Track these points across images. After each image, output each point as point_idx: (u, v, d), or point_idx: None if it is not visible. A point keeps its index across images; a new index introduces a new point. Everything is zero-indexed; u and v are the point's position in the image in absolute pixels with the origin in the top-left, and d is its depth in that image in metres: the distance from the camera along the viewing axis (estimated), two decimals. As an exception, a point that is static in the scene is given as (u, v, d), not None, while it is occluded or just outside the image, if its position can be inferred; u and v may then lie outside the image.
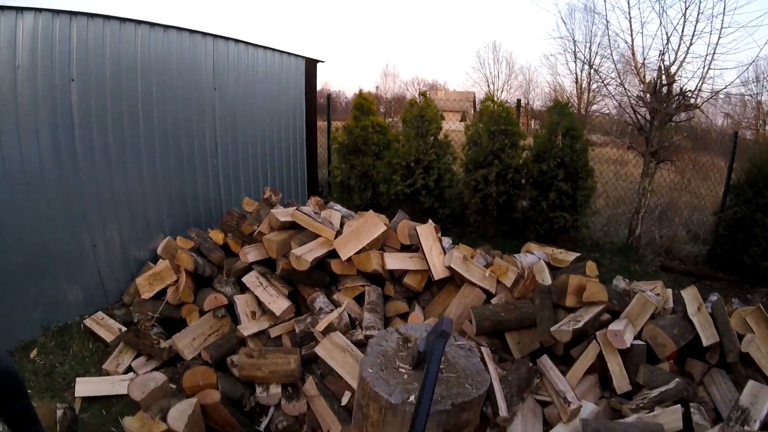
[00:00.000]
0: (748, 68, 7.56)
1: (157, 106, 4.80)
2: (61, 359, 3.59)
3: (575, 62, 29.97)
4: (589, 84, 31.75)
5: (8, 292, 3.60)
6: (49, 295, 3.89)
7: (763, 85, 25.54)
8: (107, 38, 4.28)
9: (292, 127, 6.95)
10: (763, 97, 25.80)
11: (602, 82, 7.69)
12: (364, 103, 6.99)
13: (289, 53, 6.77)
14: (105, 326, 3.86)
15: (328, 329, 3.26)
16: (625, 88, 6.93)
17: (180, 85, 5.07)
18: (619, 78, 7.17)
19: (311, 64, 7.19)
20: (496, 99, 6.67)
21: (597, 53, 6.92)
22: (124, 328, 3.83)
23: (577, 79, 34.54)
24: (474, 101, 61.27)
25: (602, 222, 8.00)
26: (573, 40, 8.88)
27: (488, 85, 54.72)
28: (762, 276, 5.76)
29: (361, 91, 7.38)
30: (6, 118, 3.55)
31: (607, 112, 7.25)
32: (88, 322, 3.92)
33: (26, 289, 3.74)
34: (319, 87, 7.54)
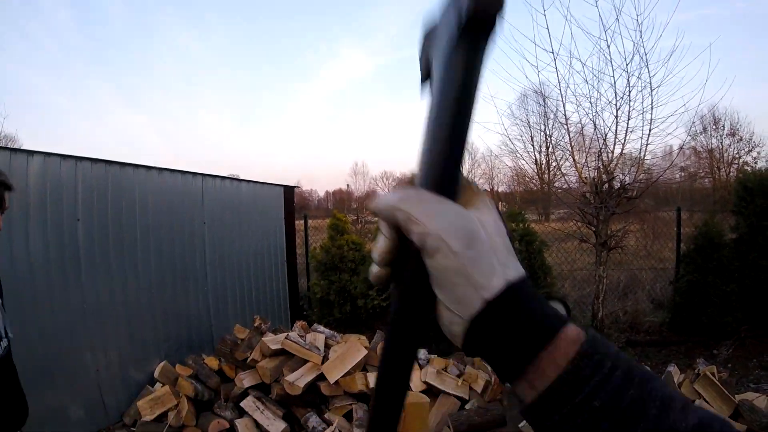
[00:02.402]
0: (693, 124, 8.25)
1: (154, 239, 5.30)
2: None
3: (532, 145, 31.46)
4: (548, 162, 33.25)
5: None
6: (55, 414, 4.12)
7: (710, 134, 27.19)
8: (109, 180, 4.82)
9: (274, 248, 7.50)
10: (713, 144, 27.36)
11: (558, 163, 8.43)
12: (338, 224, 7.63)
13: (269, 184, 7.48)
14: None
15: (323, 448, 3.67)
16: (570, 192, 7.72)
17: (174, 220, 5.61)
18: (566, 182, 7.99)
19: (289, 191, 7.90)
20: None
21: (550, 137, 7.68)
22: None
23: (536, 160, 36.16)
24: (443, 193, 62.83)
25: (570, 305, 8.50)
26: (528, 124, 9.68)
27: (454, 177, 56.51)
28: (723, 330, 6.21)
29: (335, 212, 8.06)
30: (19, 251, 3.94)
31: (568, 187, 7.91)
32: None
33: (33, 406, 3.96)
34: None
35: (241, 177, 6.96)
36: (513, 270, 0.41)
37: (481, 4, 0.40)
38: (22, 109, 57.69)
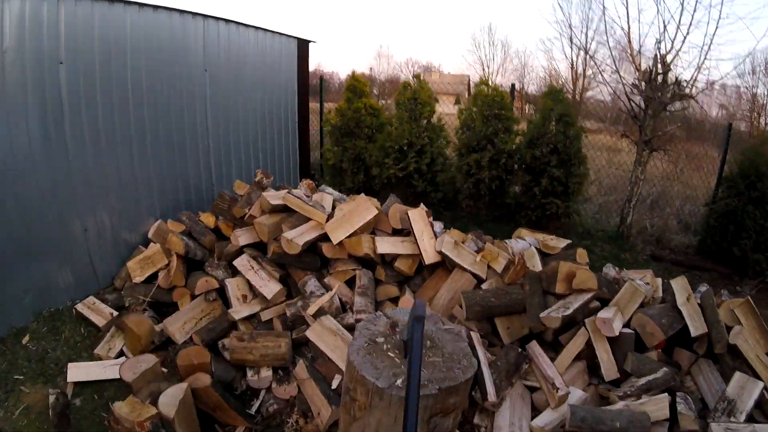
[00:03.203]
0: (744, 60, 7.54)
1: (148, 88, 4.73)
2: (53, 345, 3.59)
3: (571, 47, 29.86)
4: (584, 70, 31.73)
5: None
6: (40, 281, 3.87)
7: (759, 78, 25.62)
8: (96, 20, 4.18)
9: (284, 108, 6.89)
10: (758, 90, 25.89)
11: (597, 68, 7.67)
12: (357, 85, 6.94)
13: (281, 33, 6.69)
14: (96, 311, 3.85)
15: (319, 313, 3.27)
16: (620, 75, 6.91)
17: (170, 67, 4.99)
18: (615, 65, 7.15)
19: (303, 45, 7.12)
20: (490, 83, 6.64)
21: (593, 39, 6.88)
22: (115, 313, 3.81)
23: (572, 64, 34.46)
24: (468, 84, 61.09)
25: (594, 209, 8.04)
26: (570, 25, 8.85)
27: (483, 69, 54.40)
28: (752, 268, 5.82)
29: (354, 72, 7.38)
30: None
31: (602, 98, 7.21)
32: (79, 307, 3.90)
33: (16, 274, 3.70)
34: (311, 68, 7.47)
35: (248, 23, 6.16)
36: None
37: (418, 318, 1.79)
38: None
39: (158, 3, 4.86)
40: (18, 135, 3.64)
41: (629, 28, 6.56)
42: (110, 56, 4.34)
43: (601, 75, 7.44)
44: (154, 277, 4.05)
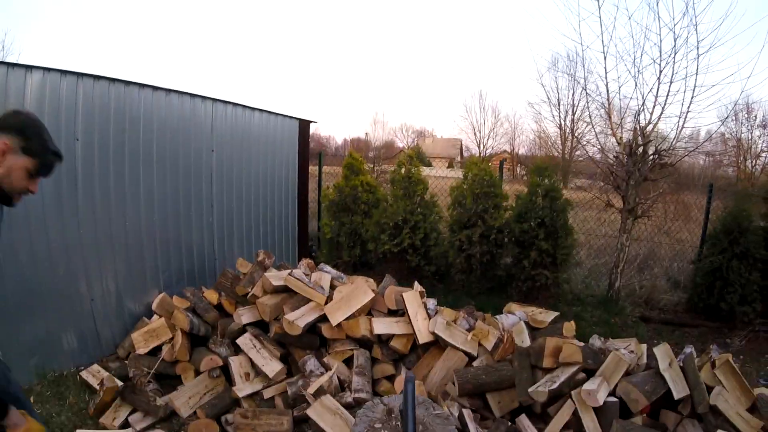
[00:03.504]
0: (719, 127, 7.97)
1: (158, 164, 5.04)
2: (57, 409, 3.68)
3: (558, 109, 30.78)
4: (572, 129, 32.71)
5: (4, 335, 3.67)
6: (46, 342, 4.02)
7: (741, 123, 26.48)
8: (112, 99, 4.53)
9: (285, 184, 7.22)
10: (743, 134, 26.68)
11: (582, 132, 8.09)
12: (354, 163, 7.31)
13: (284, 115, 7.10)
14: (99, 378, 3.96)
15: (319, 392, 3.44)
16: (603, 151, 7.31)
17: (180, 146, 5.32)
18: (598, 141, 7.57)
19: (304, 124, 7.53)
20: (480, 159, 7.03)
21: (579, 101, 7.28)
22: (120, 383, 3.94)
23: (560, 125, 35.54)
24: (461, 148, 62.63)
25: (584, 274, 8.24)
26: (556, 88, 9.32)
27: (475, 133, 56.04)
28: (740, 320, 6.02)
29: (351, 151, 7.72)
30: None
31: (594, 150, 7.56)
32: (84, 374, 4.02)
33: (24, 332, 3.86)
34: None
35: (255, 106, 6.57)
36: None
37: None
38: (21, 20, 56.26)
39: (172, 86, 5.25)
40: (33, 200, 3.81)
41: (609, 104, 7.00)
42: (124, 133, 4.66)
43: (586, 140, 7.80)
44: (157, 348, 4.20)
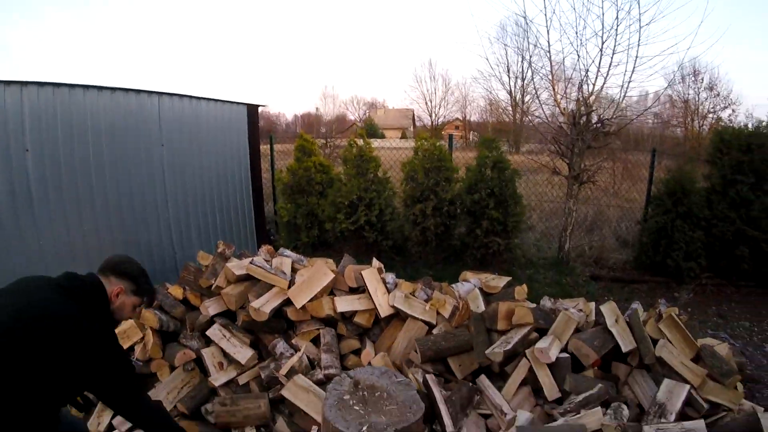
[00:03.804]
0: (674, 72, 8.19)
1: (109, 165, 5.05)
2: None
3: (508, 75, 31.13)
4: (522, 95, 33.20)
5: None
6: None
7: (689, 85, 27.47)
8: (57, 105, 4.52)
9: (238, 171, 7.26)
10: (690, 96, 27.70)
11: (530, 100, 8.32)
12: (305, 145, 7.41)
13: (231, 102, 7.11)
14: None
15: (291, 372, 3.63)
16: (548, 121, 7.60)
17: (129, 144, 5.33)
18: (543, 112, 7.84)
19: (252, 109, 7.54)
20: (429, 135, 7.23)
21: (530, 65, 7.48)
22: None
23: (510, 92, 35.99)
24: (413, 118, 62.70)
25: (536, 237, 8.61)
26: (506, 54, 9.41)
27: (426, 102, 56.22)
28: (686, 275, 6.46)
29: (302, 133, 7.79)
30: None
31: (542, 120, 7.83)
32: None
33: None
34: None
35: (202, 96, 6.56)
36: None
37: None
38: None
39: (115, 85, 5.22)
40: None
41: (553, 76, 7.27)
42: (73, 138, 4.66)
43: (538, 99, 8.04)
44: (129, 349, 4.26)
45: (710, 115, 27.11)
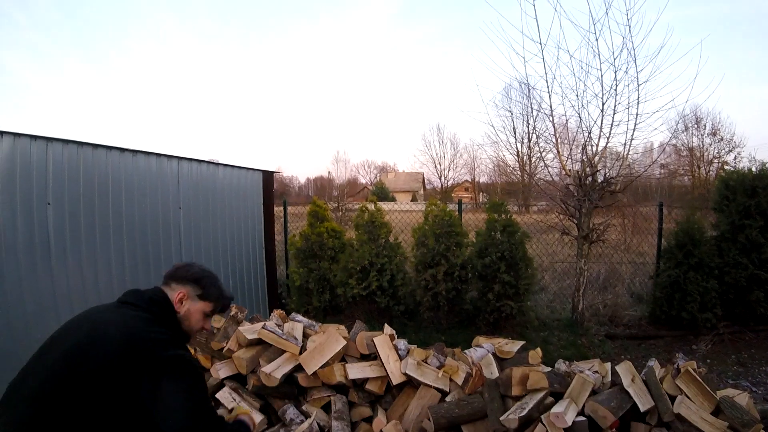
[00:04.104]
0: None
1: (127, 223, 5.16)
2: None
3: (515, 136, 31.68)
4: (529, 156, 33.63)
5: None
6: None
7: (692, 133, 27.84)
8: (81, 163, 4.66)
9: (252, 235, 7.37)
10: (694, 144, 27.99)
11: (537, 162, 8.48)
12: (318, 210, 7.53)
13: (247, 168, 7.32)
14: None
15: (300, 440, 3.57)
16: (553, 184, 7.71)
17: (148, 204, 5.47)
18: (549, 174, 7.96)
19: (267, 176, 7.75)
20: (437, 200, 7.34)
21: (534, 129, 7.63)
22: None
23: (518, 152, 36.47)
24: (423, 181, 63.50)
25: (549, 298, 8.55)
26: (511, 117, 9.66)
27: (435, 166, 57.13)
28: (703, 326, 6.36)
29: (315, 199, 7.94)
30: None
31: (550, 179, 7.90)
32: None
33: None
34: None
35: (219, 161, 6.78)
36: None
37: None
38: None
39: (138, 147, 5.40)
40: (9, 265, 3.95)
41: (557, 139, 7.42)
42: (94, 195, 4.78)
43: (543, 160, 8.13)
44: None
45: (716, 160, 27.34)
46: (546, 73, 6.95)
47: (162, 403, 1.78)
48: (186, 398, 1.83)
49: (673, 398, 3.62)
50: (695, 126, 27.87)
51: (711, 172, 26.30)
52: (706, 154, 28.34)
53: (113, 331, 1.85)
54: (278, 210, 8.81)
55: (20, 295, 4.03)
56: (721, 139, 27.59)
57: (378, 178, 63.31)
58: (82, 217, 4.66)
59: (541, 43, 6.84)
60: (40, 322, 4.18)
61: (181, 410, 1.81)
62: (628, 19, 6.41)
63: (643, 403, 3.59)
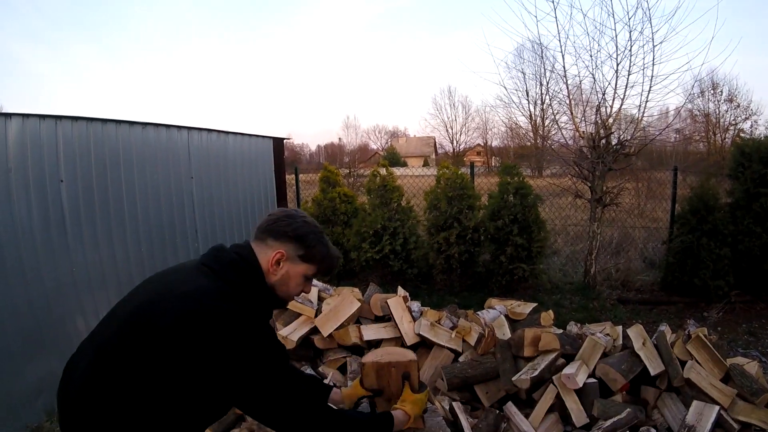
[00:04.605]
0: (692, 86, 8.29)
1: (140, 196, 5.20)
2: None
3: (527, 99, 31.20)
4: (543, 118, 33.12)
5: (10, 380, 3.84)
6: (49, 382, 4.04)
7: (708, 98, 27.24)
8: (91, 139, 4.66)
9: (265, 202, 7.42)
10: (710, 109, 27.41)
11: (550, 124, 8.34)
12: (330, 176, 7.54)
13: (258, 136, 7.31)
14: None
15: (317, 400, 3.67)
16: (567, 146, 7.63)
17: (160, 176, 5.50)
18: (563, 136, 7.87)
19: (278, 142, 7.75)
20: (449, 163, 7.30)
21: (548, 90, 7.51)
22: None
23: (531, 115, 35.94)
24: (434, 145, 62.94)
25: (562, 262, 8.54)
26: (524, 79, 9.50)
27: (447, 129, 56.46)
28: (715, 293, 6.31)
29: (326, 164, 7.95)
30: (2, 216, 3.85)
31: (563, 142, 7.82)
32: None
33: (28, 375, 3.97)
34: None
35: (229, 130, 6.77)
36: None
37: None
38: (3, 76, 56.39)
39: (146, 120, 5.41)
40: (26, 245, 4.00)
41: (570, 100, 7.32)
42: (106, 171, 4.80)
43: (556, 123, 8.06)
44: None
45: (732, 128, 26.80)
46: (559, 33, 6.80)
47: (237, 387, 1.50)
48: (262, 383, 1.52)
49: (683, 363, 3.64)
50: (711, 92, 27.19)
51: (727, 139, 25.75)
52: (722, 120, 27.71)
53: (168, 305, 1.51)
54: (290, 177, 8.83)
55: (38, 273, 4.10)
56: (738, 106, 26.94)
57: (389, 143, 62.84)
58: (95, 192, 4.70)
59: (553, 1, 6.68)
60: (59, 298, 4.27)
61: (261, 396, 1.54)
62: (643, -24, 6.22)
63: (654, 366, 3.62)
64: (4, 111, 4.01)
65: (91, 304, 4.56)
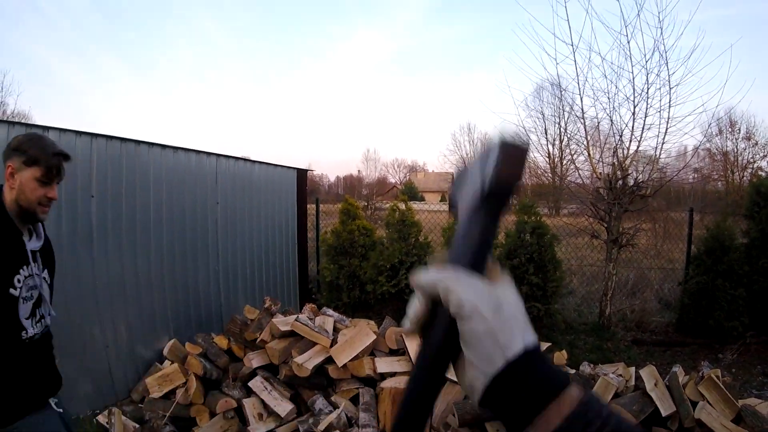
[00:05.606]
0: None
1: (167, 217, 5.35)
2: None
3: (546, 138, 31.29)
4: (561, 156, 33.12)
5: None
6: (63, 388, 4.20)
7: (726, 137, 27.01)
8: (123, 158, 4.85)
9: (285, 231, 7.56)
10: (728, 148, 27.15)
11: (571, 157, 8.39)
12: (350, 208, 7.67)
13: (282, 166, 7.50)
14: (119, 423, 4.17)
15: (329, 429, 3.71)
16: (584, 187, 7.70)
17: (186, 198, 5.65)
18: (580, 177, 7.94)
19: (301, 173, 7.93)
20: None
21: (566, 130, 7.61)
22: (137, 425, 4.15)
23: (549, 154, 35.93)
24: (452, 181, 62.86)
25: (577, 302, 8.49)
26: (543, 118, 9.57)
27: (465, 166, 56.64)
28: (729, 334, 6.25)
29: (347, 197, 8.09)
30: None
31: (581, 182, 7.87)
32: (100, 417, 4.17)
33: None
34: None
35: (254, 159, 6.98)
36: (529, 336, 0.49)
37: (502, 180, 0.51)
38: (35, 86, 58.20)
39: (178, 144, 5.60)
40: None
41: (588, 142, 7.41)
42: (135, 190, 4.96)
43: (573, 163, 8.10)
44: (170, 392, 4.41)
45: (750, 166, 26.52)
46: (578, 75, 6.96)
47: None
48: None
49: (695, 404, 3.65)
50: (729, 130, 27.07)
51: (745, 178, 25.48)
52: (740, 158, 27.50)
53: None
54: (309, 207, 8.98)
55: (61, 282, 4.20)
56: (756, 144, 26.74)
57: (407, 177, 63.31)
58: (123, 209, 4.86)
59: (572, 45, 6.86)
60: (79, 306, 4.38)
61: None
62: (659, 21, 6.37)
63: (665, 407, 3.63)
64: (41, 123, 4.20)
65: (110, 315, 4.68)
